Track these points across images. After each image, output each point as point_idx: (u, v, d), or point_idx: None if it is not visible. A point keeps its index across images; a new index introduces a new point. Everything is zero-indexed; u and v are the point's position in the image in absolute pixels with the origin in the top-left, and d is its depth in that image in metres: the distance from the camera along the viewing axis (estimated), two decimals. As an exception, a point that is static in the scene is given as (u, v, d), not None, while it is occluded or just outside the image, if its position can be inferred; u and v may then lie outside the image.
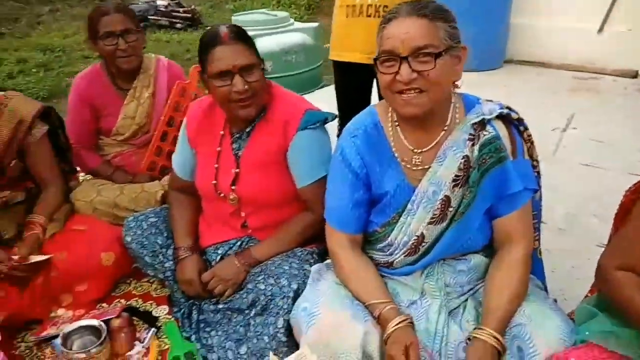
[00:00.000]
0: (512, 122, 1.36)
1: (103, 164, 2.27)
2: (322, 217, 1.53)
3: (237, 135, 1.72)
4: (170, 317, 1.85)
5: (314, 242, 1.73)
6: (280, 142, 1.64)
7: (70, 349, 1.62)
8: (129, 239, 1.84)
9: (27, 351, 1.73)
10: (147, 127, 2.27)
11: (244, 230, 1.78)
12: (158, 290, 2.00)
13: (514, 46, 4.81)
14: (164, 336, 1.75)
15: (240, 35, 1.59)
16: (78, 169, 2.29)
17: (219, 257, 1.77)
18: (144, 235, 1.84)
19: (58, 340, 1.64)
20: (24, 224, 1.85)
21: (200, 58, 1.61)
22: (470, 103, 1.37)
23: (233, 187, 1.70)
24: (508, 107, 1.36)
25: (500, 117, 1.34)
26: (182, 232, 1.81)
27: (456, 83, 1.34)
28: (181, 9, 7.27)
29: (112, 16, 2.07)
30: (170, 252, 1.83)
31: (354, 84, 2.33)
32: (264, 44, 3.82)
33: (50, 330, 1.75)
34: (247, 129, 1.70)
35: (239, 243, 1.78)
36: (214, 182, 1.73)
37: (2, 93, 1.83)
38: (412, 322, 1.30)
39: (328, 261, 1.55)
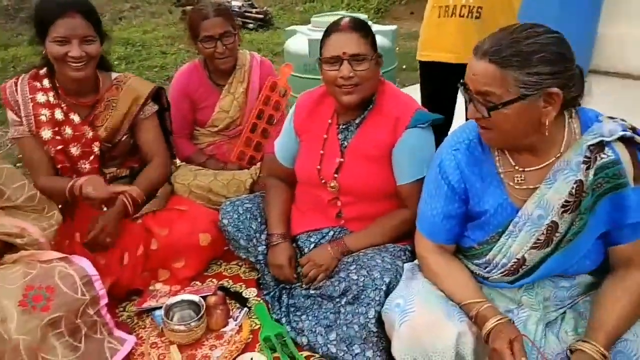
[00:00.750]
0: (637, 144, 1.21)
1: (197, 153, 2.39)
2: None
3: (344, 126, 1.76)
4: (259, 299, 1.92)
5: (406, 239, 1.73)
6: (389, 137, 1.67)
7: (171, 320, 1.72)
8: (225, 221, 1.92)
9: (129, 320, 1.84)
10: (240, 119, 2.37)
11: (338, 220, 1.81)
12: (247, 273, 2.07)
13: (599, 56, 4.63)
14: (255, 316, 1.82)
15: (358, 26, 1.62)
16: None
17: (312, 245, 1.82)
18: (240, 220, 1.91)
19: (160, 312, 1.74)
20: None
21: (320, 43, 1.67)
22: (588, 120, 1.26)
23: (336, 175, 1.75)
24: (632, 128, 1.22)
25: (622, 139, 1.20)
26: (276, 219, 1.87)
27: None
28: (254, 10, 7.46)
29: (212, 20, 2.15)
30: (263, 237, 1.90)
31: (441, 85, 2.28)
32: (341, 45, 3.83)
33: (150, 302, 1.85)
34: (356, 121, 1.73)
35: (331, 233, 1.82)
36: (318, 167, 1.77)
37: (121, 73, 1.99)
38: (512, 321, 1.26)
39: (420, 260, 1.54)
